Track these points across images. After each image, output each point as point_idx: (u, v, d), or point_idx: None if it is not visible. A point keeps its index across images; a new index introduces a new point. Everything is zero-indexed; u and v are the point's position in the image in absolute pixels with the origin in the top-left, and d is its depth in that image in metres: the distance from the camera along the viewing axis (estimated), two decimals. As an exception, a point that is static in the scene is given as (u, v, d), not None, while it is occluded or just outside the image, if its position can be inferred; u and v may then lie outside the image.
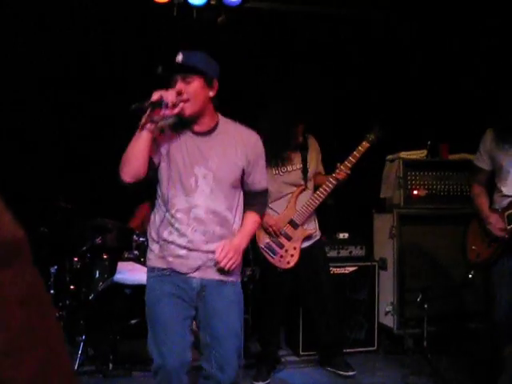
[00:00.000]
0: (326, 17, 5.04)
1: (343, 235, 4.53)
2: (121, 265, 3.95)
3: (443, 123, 4.82)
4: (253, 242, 3.78)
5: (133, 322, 3.79)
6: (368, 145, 3.73)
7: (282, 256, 3.79)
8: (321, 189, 3.77)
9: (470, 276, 3.39)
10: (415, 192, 4.56)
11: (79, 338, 3.81)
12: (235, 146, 2.41)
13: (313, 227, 3.90)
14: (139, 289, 3.70)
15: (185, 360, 2.35)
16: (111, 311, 3.81)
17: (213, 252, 2.36)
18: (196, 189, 2.35)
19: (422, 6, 4.74)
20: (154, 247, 2.42)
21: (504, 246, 3.09)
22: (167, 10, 4.59)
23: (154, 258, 2.41)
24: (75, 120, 4.92)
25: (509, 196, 3.10)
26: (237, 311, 2.45)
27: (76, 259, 4.21)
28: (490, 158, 3.22)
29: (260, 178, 2.55)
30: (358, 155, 3.72)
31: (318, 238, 3.97)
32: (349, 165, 3.71)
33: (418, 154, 4.67)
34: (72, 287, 4.20)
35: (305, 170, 3.84)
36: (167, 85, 2.33)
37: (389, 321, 4.52)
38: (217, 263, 2.36)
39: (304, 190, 3.83)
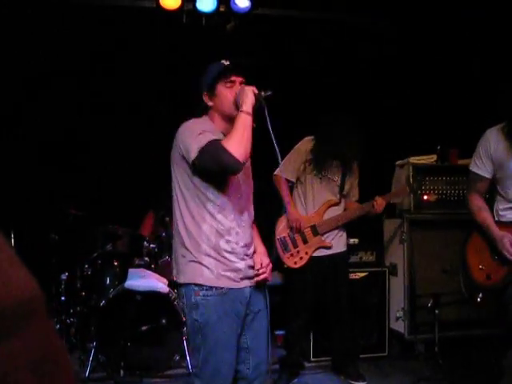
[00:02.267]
0: (335, 23, 5.05)
1: (353, 241, 4.52)
2: (131, 271, 3.96)
3: (452, 128, 4.80)
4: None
5: (144, 328, 3.79)
6: (409, 191, 4.16)
7: (292, 254, 3.86)
8: (351, 210, 3.92)
9: (479, 300, 2.92)
10: (425, 197, 4.55)
11: (90, 344, 3.81)
12: None
13: (332, 241, 3.93)
14: (150, 295, 3.73)
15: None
16: (122, 318, 3.81)
17: (251, 256, 2.41)
18: (240, 189, 2.37)
19: (433, 12, 4.74)
20: (206, 262, 2.25)
21: None
22: (176, 17, 4.61)
23: (210, 276, 2.25)
24: (86, 128, 4.94)
25: None
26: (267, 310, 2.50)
27: (87, 266, 4.22)
28: (492, 163, 2.85)
29: None
30: (399, 195, 4.11)
31: (344, 249, 4.03)
32: (387, 200, 3.93)
33: (428, 159, 4.66)
34: (83, 294, 4.21)
35: (342, 185, 3.91)
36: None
37: (400, 326, 4.51)
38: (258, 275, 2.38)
39: (337, 204, 3.92)
